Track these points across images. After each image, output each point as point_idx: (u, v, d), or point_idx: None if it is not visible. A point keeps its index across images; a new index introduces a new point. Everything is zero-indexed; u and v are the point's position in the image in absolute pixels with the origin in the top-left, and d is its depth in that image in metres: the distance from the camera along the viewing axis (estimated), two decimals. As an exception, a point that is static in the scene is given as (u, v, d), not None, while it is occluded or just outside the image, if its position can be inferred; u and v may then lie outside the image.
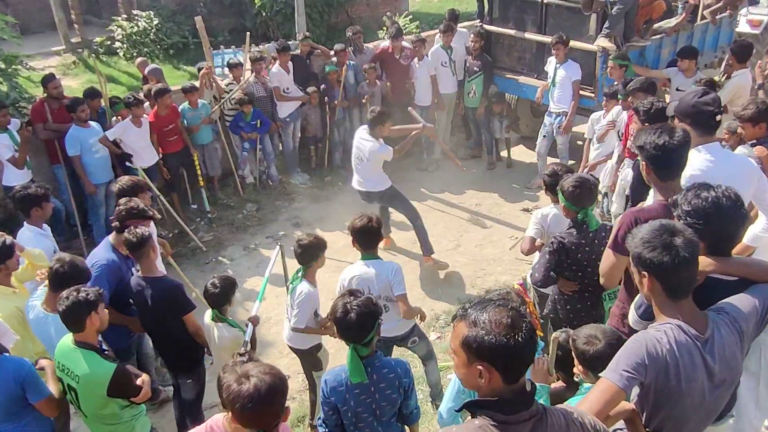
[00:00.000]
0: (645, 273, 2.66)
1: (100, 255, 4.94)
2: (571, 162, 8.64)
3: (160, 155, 8.38)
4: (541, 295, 5.29)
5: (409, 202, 7.54)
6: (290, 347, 5.23)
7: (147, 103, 8.27)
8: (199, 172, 8.77)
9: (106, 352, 3.98)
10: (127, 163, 7.89)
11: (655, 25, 9.03)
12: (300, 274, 4.94)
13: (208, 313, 4.79)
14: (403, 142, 7.37)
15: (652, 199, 3.86)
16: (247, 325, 4.81)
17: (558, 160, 8.64)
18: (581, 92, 8.73)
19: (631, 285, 3.09)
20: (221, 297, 4.66)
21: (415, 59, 9.63)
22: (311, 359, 5.19)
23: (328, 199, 9.36)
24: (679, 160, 3.53)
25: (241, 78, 9.12)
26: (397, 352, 5.42)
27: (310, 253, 4.86)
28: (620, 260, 3.55)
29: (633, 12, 8.55)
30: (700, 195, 2.92)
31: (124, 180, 5.46)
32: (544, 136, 9.07)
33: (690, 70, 7.85)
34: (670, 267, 2.59)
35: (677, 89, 7.92)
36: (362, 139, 7.14)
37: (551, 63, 8.71)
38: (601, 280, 3.76)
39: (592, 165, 7.54)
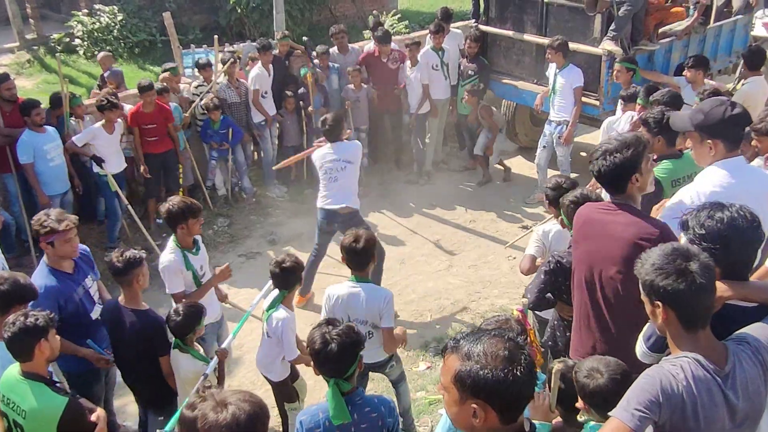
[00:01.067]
0: (658, 303, 2.63)
1: (36, 282, 4.70)
2: (574, 175, 8.65)
3: (141, 154, 8.45)
4: (541, 320, 5.27)
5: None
6: (264, 377, 5.21)
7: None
8: (181, 181, 8.70)
9: (57, 384, 3.89)
10: (95, 169, 7.85)
11: (665, 28, 9.10)
12: (277, 300, 4.89)
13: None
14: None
15: (674, 201, 3.90)
16: (212, 358, 4.75)
17: (560, 173, 8.64)
18: (584, 99, 8.76)
19: (637, 313, 3.04)
20: (183, 326, 4.59)
21: (407, 63, 9.66)
22: (285, 390, 5.13)
23: (307, 214, 9.27)
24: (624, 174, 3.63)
25: (212, 80, 9.08)
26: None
27: (294, 277, 4.87)
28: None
29: (642, 13, 8.61)
30: (714, 216, 2.90)
31: (175, 201, 5.08)
32: (544, 147, 9.09)
33: (697, 82, 7.80)
34: (686, 295, 2.56)
35: (684, 103, 7.97)
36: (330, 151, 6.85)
37: (552, 68, 8.74)
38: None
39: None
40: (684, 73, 8.10)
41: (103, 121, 7.82)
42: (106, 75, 9.22)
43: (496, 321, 3.44)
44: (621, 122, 7.30)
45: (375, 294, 4.72)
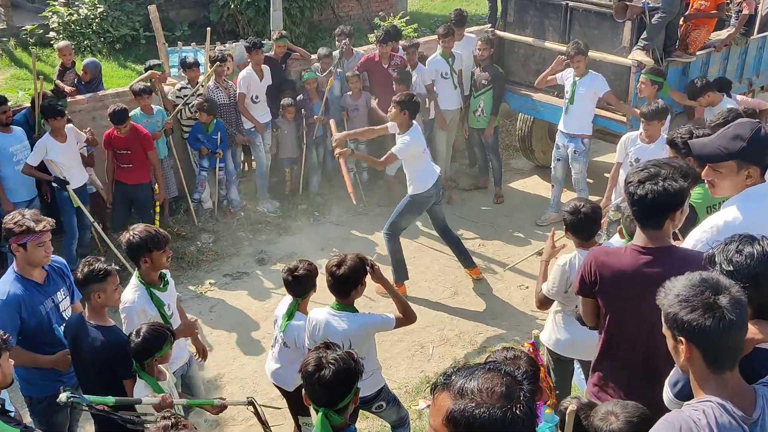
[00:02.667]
0: (681, 339, 2.63)
1: (1, 289, 4.78)
2: (595, 198, 8.68)
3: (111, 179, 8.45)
4: (558, 359, 5.26)
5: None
6: (276, 386, 5.43)
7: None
8: (158, 209, 8.63)
9: (10, 414, 3.87)
10: (54, 184, 7.86)
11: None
12: (293, 308, 5.13)
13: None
14: None
15: (703, 228, 3.90)
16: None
17: (579, 196, 8.67)
18: (610, 115, 8.84)
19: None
20: (142, 350, 4.51)
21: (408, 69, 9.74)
22: (300, 400, 5.13)
23: (301, 232, 9.34)
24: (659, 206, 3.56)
25: (198, 82, 9.17)
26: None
27: (308, 284, 5.10)
28: (587, 302, 3.84)
29: (677, 21, 8.68)
30: (743, 251, 2.91)
31: (137, 230, 4.97)
32: (558, 160, 9.16)
33: (715, 102, 8.06)
34: (713, 333, 2.55)
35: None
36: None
37: (569, 76, 8.81)
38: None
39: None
40: (698, 100, 8.22)
41: (50, 130, 7.75)
42: (84, 64, 9.27)
43: (504, 357, 3.43)
44: (653, 149, 7.19)
45: (358, 325, 4.74)
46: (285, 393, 5.39)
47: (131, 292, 5.02)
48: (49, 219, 4.83)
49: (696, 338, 2.59)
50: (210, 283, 8.29)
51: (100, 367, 4.56)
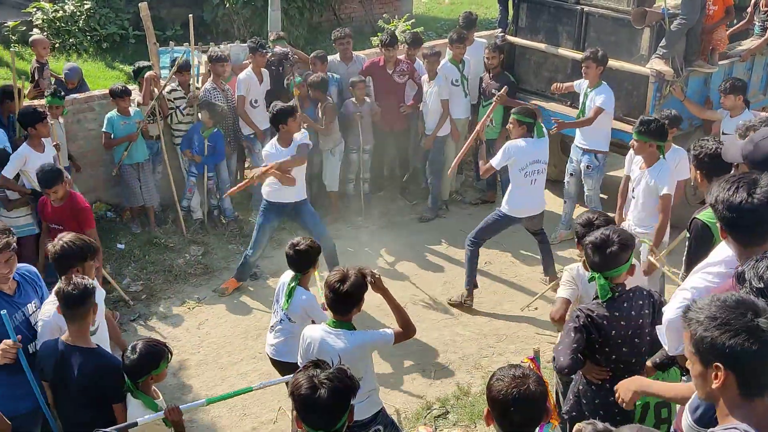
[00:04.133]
0: (718, 365, 2.63)
1: None
2: (611, 215, 8.73)
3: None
4: (568, 382, 5.30)
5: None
6: (275, 363, 5.94)
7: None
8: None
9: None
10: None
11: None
12: (294, 283, 5.65)
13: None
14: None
15: (714, 261, 3.91)
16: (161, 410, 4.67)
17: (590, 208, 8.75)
18: (626, 127, 8.90)
19: None
20: (138, 367, 4.55)
21: (425, 77, 9.81)
22: None
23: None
24: (763, 223, 3.50)
25: (190, 85, 9.27)
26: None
27: (309, 259, 5.63)
28: None
29: (698, 28, 8.74)
30: None
31: (69, 238, 5.01)
32: (572, 174, 9.23)
33: (737, 108, 8.13)
34: (756, 358, 2.57)
35: (723, 133, 8.16)
36: None
37: (582, 86, 8.91)
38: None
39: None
40: (721, 101, 8.34)
41: (29, 139, 7.73)
42: (64, 72, 9.35)
43: (513, 376, 3.46)
44: (661, 161, 7.15)
45: (354, 343, 4.76)
46: (286, 367, 5.68)
47: (49, 304, 4.92)
48: (12, 237, 4.80)
49: (737, 364, 2.59)
50: (198, 299, 8.33)
51: (91, 395, 4.56)
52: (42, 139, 7.78)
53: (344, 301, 4.75)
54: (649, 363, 4.58)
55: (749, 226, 3.51)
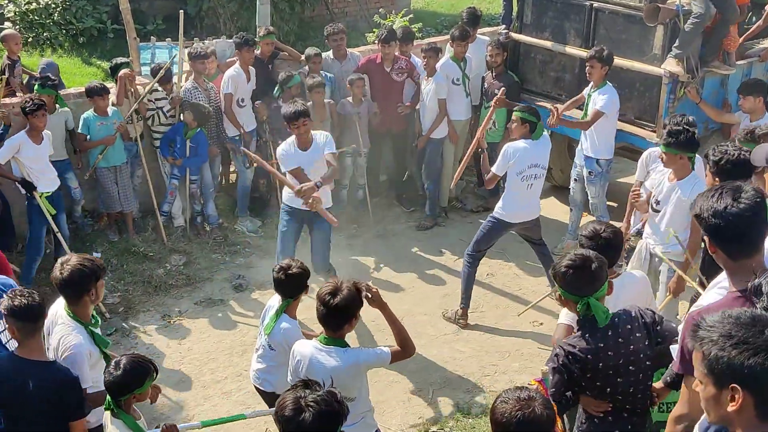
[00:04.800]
0: (736, 386, 2.59)
1: None
2: (619, 225, 8.70)
3: None
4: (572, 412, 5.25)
5: None
6: (260, 392, 5.73)
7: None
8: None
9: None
10: (22, 190, 7.90)
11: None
12: (281, 309, 5.40)
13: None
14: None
15: (714, 290, 3.90)
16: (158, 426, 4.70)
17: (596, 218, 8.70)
18: (636, 130, 8.88)
19: None
20: (122, 385, 4.49)
21: (421, 77, 9.77)
22: None
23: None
24: (750, 230, 3.55)
25: (173, 84, 9.22)
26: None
27: (301, 284, 5.38)
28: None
29: (724, 27, 8.64)
30: None
31: (76, 260, 4.87)
32: (576, 180, 9.20)
33: (758, 111, 8.09)
34: None
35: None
36: None
37: (588, 88, 8.89)
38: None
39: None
40: (739, 104, 8.32)
41: (27, 128, 7.86)
42: (40, 68, 9.31)
43: (518, 398, 3.42)
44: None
45: (347, 362, 4.72)
46: (267, 396, 5.62)
47: (71, 334, 4.83)
48: None
49: (756, 385, 2.57)
50: (179, 312, 8.26)
51: (48, 413, 4.47)
52: (41, 132, 7.95)
53: (336, 316, 4.68)
54: (660, 383, 4.51)
55: (736, 234, 3.54)
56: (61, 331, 4.86)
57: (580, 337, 4.33)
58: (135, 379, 4.52)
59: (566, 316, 5.14)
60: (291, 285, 5.34)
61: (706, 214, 3.55)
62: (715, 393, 2.66)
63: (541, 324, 8.04)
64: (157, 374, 4.67)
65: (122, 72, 9.05)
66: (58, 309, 4.97)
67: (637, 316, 4.39)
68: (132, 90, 9.09)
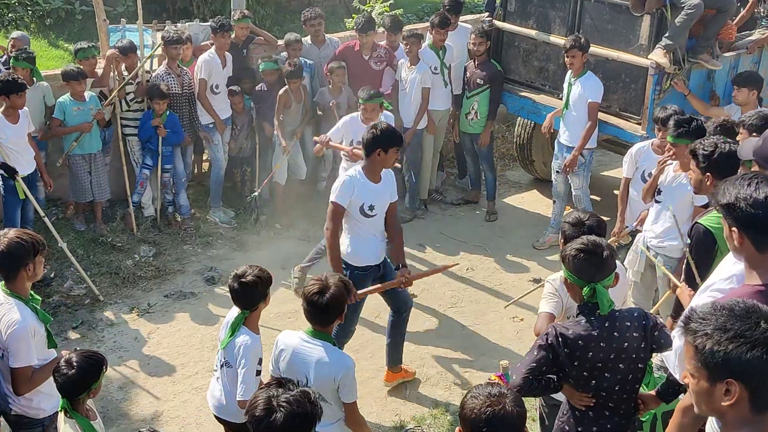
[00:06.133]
0: (732, 381, 2.62)
1: None
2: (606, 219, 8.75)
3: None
4: (554, 404, 5.27)
5: None
6: (220, 420, 5.32)
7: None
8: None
9: None
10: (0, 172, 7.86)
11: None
12: (239, 321, 5.05)
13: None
14: None
15: (723, 277, 3.90)
16: None
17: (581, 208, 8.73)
18: (623, 123, 8.92)
19: None
20: (77, 382, 4.43)
21: (402, 62, 9.76)
22: None
23: (258, 248, 9.32)
24: None
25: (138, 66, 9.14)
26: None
27: (258, 293, 5.01)
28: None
29: (722, 20, 8.72)
30: None
31: (14, 233, 4.88)
32: (558, 172, 9.26)
33: (750, 104, 8.13)
34: (767, 370, 2.58)
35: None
36: None
37: (568, 77, 8.97)
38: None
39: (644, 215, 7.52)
40: (733, 95, 8.38)
41: (3, 107, 7.81)
42: (12, 40, 9.21)
43: (488, 394, 3.42)
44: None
45: (332, 360, 4.72)
46: (228, 426, 5.32)
47: (12, 311, 4.77)
48: None
49: (754, 379, 2.59)
50: (149, 305, 8.24)
51: None
52: (18, 110, 7.87)
53: (326, 313, 4.71)
54: (653, 392, 4.54)
55: None
56: (1, 310, 4.81)
57: (576, 322, 4.36)
58: (92, 375, 4.47)
59: (547, 305, 5.17)
60: (247, 295, 5.00)
61: (743, 204, 3.50)
62: (708, 387, 2.68)
63: (522, 320, 8.08)
64: (107, 368, 4.63)
65: (110, 52, 8.99)
66: None
67: (639, 317, 4.41)
68: (118, 72, 9.03)
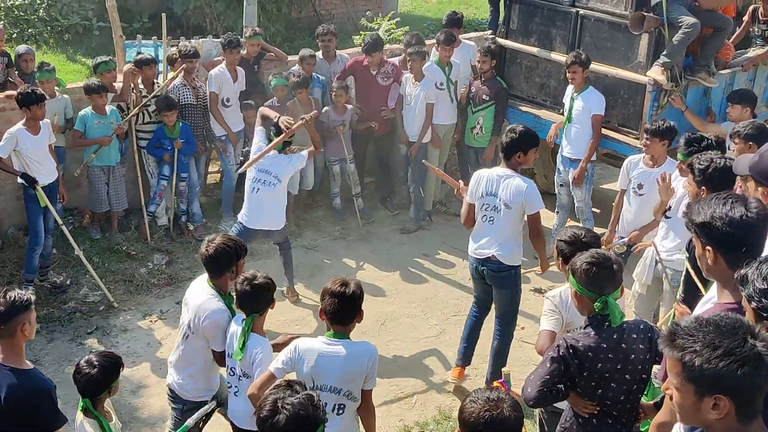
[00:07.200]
0: (721, 396, 2.62)
1: None
2: (600, 231, 8.77)
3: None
4: (552, 412, 5.28)
5: None
6: (241, 430, 5.25)
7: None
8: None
9: None
10: (20, 180, 7.90)
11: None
12: (247, 328, 5.01)
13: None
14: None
15: (708, 304, 3.93)
16: None
17: (579, 224, 8.75)
18: (621, 137, 8.95)
19: None
20: (100, 381, 4.50)
21: (407, 77, 9.79)
22: None
23: (267, 256, 9.35)
24: (759, 239, 3.59)
25: (155, 81, 9.23)
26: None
27: (265, 298, 5.04)
28: None
29: (720, 39, 8.78)
30: None
31: (221, 239, 5.29)
32: (562, 185, 9.30)
33: (743, 121, 8.14)
34: (761, 386, 2.60)
35: (729, 148, 8.21)
36: None
37: (568, 93, 9.00)
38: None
39: (634, 236, 7.56)
40: (727, 111, 8.40)
41: (24, 119, 7.85)
42: (21, 52, 9.30)
43: (487, 399, 3.45)
44: (658, 174, 7.08)
45: (360, 351, 4.71)
46: None
47: (212, 301, 5.21)
48: None
49: (743, 394, 2.60)
50: (161, 311, 8.27)
51: (17, 421, 4.28)
52: (39, 121, 7.90)
53: (350, 307, 4.70)
54: (651, 402, 4.55)
55: (747, 243, 3.56)
56: (202, 300, 5.24)
57: (586, 334, 4.37)
58: (112, 373, 4.55)
59: (547, 323, 5.16)
60: (257, 298, 5.00)
61: (719, 223, 3.54)
62: (695, 401, 2.67)
63: (523, 328, 8.06)
64: (123, 365, 4.71)
65: (126, 67, 9.06)
66: (200, 283, 5.39)
67: (645, 329, 4.43)
68: (134, 86, 9.11)
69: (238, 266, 5.26)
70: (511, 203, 6.56)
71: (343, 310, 4.68)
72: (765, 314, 3.06)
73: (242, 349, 4.99)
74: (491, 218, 6.71)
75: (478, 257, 6.83)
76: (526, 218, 6.72)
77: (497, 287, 6.90)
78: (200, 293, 5.29)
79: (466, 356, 7.27)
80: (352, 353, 4.67)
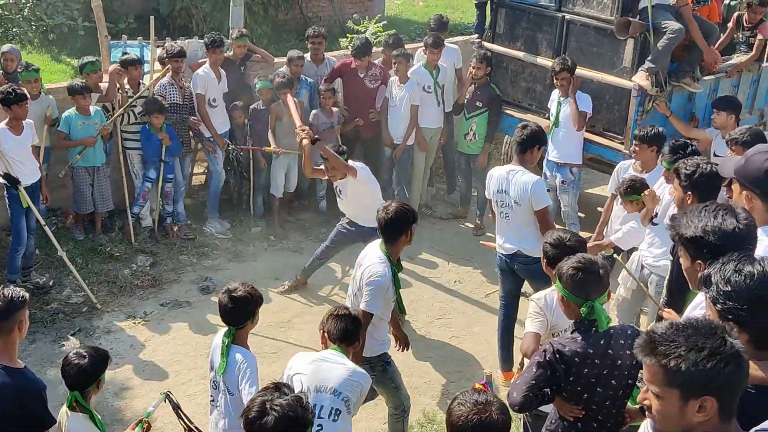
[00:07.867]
0: (708, 397, 2.62)
1: None
2: (585, 235, 8.76)
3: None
4: (536, 415, 5.25)
5: None
6: None
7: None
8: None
9: None
10: (2, 180, 7.84)
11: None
12: (227, 341, 4.85)
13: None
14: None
15: (697, 311, 3.93)
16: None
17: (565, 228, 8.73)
18: (606, 142, 8.97)
19: None
20: (89, 373, 4.44)
21: (392, 80, 9.75)
22: None
23: (253, 258, 9.30)
24: (750, 250, 3.58)
25: (140, 82, 9.14)
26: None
27: (248, 310, 4.90)
28: None
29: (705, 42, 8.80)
30: (743, 271, 2.98)
31: (397, 205, 5.66)
32: (548, 190, 9.24)
33: (729, 128, 8.15)
34: (743, 383, 2.62)
35: (714, 154, 8.22)
36: None
37: (554, 98, 9.01)
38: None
39: (609, 243, 7.52)
40: (712, 118, 8.42)
41: (6, 119, 7.80)
42: (5, 51, 9.21)
43: (475, 401, 3.40)
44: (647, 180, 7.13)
45: (359, 370, 4.80)
46: None
47: (380, 265, 5.57)
48: None
49: (727, 393, 2.61)
50: (145, 313, 8.19)
51: (8, 420, 4.21)
52: (21, 121, 7.85)
53: (355, 327, 4.91)
54: (636, 406, 4.52)
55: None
56: (371, 262, 5.62)
57: (573, 339, 4.34)
58: (101, 364, 4.52)
59: (532, 325, 5.15)
60: (238, 311, 4.84)
61: (712, 237, 3.54)
62: (680, 406, 2.65)
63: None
64: (110, 360, 4.67)
65: (112, 67, 8.99)
66: (373, 246, 5.78)
67: (633, 335, 4.37)
68: (120, 86, 9.04)
69: (411, 231, 5.64)
70: (519, 200, 6.71)
71: (347, 328, 4.88)
72: (730, 316, 3.05)
73: (225, 365, 4.83)
74: (506, 214, 6.92)
75: (506, 253, 7.01)
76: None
77: (531, 279, 7.00)
78: (374, 256, 5.65)
79: (507, 362, 7.37)
80: (357, 369, 4.78)
